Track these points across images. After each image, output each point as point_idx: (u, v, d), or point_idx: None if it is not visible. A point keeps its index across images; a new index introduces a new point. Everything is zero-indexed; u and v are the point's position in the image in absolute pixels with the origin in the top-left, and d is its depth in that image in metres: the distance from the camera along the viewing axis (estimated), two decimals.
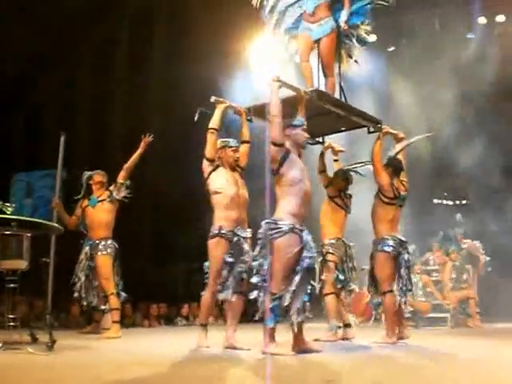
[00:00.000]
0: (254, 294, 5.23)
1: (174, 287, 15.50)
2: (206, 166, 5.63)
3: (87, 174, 8.11)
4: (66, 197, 8.24)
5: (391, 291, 6.35)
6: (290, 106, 5.55)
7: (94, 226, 7.82)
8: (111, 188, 7.92)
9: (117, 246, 7.84)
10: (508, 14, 13.26)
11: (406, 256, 6.44)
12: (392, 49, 13.96)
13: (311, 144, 6.02)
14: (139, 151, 8.01)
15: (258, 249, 5.24)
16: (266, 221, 5.22)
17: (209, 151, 5.65)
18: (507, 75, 12.98)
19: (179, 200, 15.96)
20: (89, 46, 19.15)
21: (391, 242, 6.37)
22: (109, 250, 7.71)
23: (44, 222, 6.21)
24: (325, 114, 5.69)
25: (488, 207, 13.33)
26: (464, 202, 15.72)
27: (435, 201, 15.37)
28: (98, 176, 7.98)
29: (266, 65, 12.60)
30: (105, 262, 7.66)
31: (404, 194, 6.61)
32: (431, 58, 13.48)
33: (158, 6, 18.10)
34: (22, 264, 5.53)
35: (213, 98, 5.86)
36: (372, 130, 6.28)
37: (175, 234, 15.90)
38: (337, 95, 6.21)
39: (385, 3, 6.22)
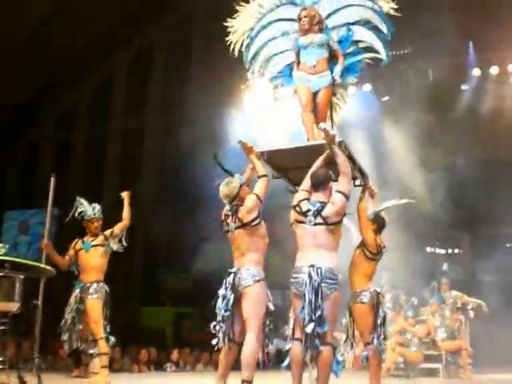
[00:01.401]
0: (307, 344, 5.12)
1: (164, 331, 15.37)
2: (258, 208, 5.51)
3: (84, 210, 8.00)
4: (58, 234, 8.22)
5: (373, 342, 6.44)
6: (306, 155, 5.62)
7: (86, 269, 7.75)
8: (107, 233, 7.87)
9: (108, 289, 7.77)
10: (502, 66, 13.51)
11: (382, 306, 6.58)
12: (386, 98, 14.16)
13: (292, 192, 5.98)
14: (127, 206, 7.98)
15: (314, 297, 5.09)
16: (325, 268, 5.14)
17: (264, 195, 5.55)
18: (500, 126, 13.17)
19: (171, 242, 15.94)
20: (85, 88, 19.37)
21: (369, 294, 6.48)
22: (99, 294, 7.64)
23: (37, 264, 6.16)
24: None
25: (479, 256, 13.38)
26: (456, 251, 15.75)
27: (428, 249, 15.39)
28: (96, 221, 7.92)
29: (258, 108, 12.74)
30: (95, 305, 7.58)
31: (384, 250, 6.69)
32: (425, 108, 13.67)
33: (158, 53, 18.41)
34: (14, 306, 5.47)
35: (239, 140, 5.74)
36: (358, 183, 6.30)
37: (165, 278, 15.81)
38: None
39: (379, 56, 6.30)
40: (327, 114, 6.28)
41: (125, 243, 7.89)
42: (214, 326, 5.41)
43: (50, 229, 7.73)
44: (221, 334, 5.38)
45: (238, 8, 6.58)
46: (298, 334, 5.23)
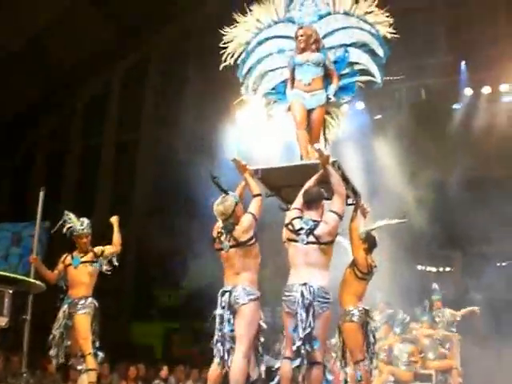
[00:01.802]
0: (297, 362, 5.10)
1: (154, 347, 15.29)
2: (253, 227, 5.50)
3: (73, 226, 7.94)
4: (50, 247, 8.17)
5: (363, 360, 6.45)
6: (299, 173, 5.66)
7: (75, 284, 7.69)
8: (97, 251, 7.81)
9: (96, 304, 7.72)
10: (494, 86, 13.62)
11: (372, 324, 6.61)
12: (379, 117, 14.23)
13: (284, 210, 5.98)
14: (117, 231, 7.92)
15: (306, 315, 5.08)
16: (317, 287, 5.14)
17: (259, 214, 5.54)
18: (490, 146, 13.26)
19: (163, 257, 15.89)
20: (80, 100, 19.39)
21: (358, 313, 6.49)
22: (88, 310, 7.58)
23: (27, 278, 6.13)
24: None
25: (470, 275, 13.41)
26: (447, 269, 15.78)
27: (419, 267, 15.41)
28: (85, 237, 7.86)
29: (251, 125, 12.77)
30: (83, 321, 7.51)
31: (375, 270, 6.71)
32: (417, 127, 13.76)
33: (154, 66, 18.47)
34: (2, 321, 5.41)
35: (233, 158, 5.75)
36: (350, 202, 6.31)
37: (157, 293, 15.74)
38: None
39: (373, 79, 6.33)
40: (321, 132, 6.32)
41: (116, 263, 7.84)
42: (216, 346, 5.37)
43: (38, 242, 7.69)
44: (221, 354, 5.33)
45: (236, 18, 6.62)
46: (288, 353, 5.22)
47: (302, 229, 5.28)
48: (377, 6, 6.28)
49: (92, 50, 17.56)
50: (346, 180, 5.88)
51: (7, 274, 5.68)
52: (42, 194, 7.66)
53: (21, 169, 19.46)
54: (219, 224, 5.62)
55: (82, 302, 7.57)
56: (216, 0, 16.87)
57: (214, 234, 5.63)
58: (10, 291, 5.47)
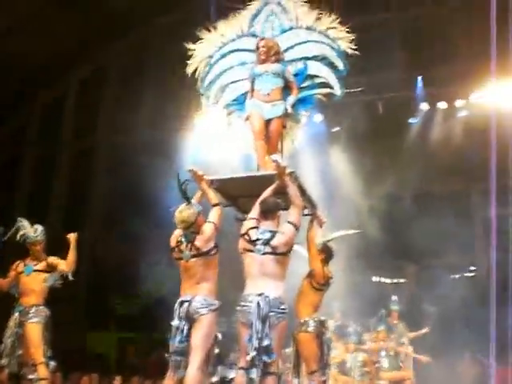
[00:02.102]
0: (254, 373, 5.04)
1: (108, 357, 15.10)
2: (214, 237, 5.47)
3: (26, 233, 7.80)
4: (1, 254, 8.00)
5: (318, 371, 6.50)
6: (256, 184, 5.66)
7: (26, 292, 7.55)
8: (50, 262, 7.65)
9: (48, 313, 7.60)
10: (449, 102, 13.91)
11: (327, 335, 6.66)
12: (336, 129, 14.40)
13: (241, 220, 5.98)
14: (73, 250, 7.76)
15: (262, 326, 5.05)
16: (273, 297, 5.12)
17: (219, 224, 5.51)
18: (445, 160, 13.53)
19: (119, 266, 15.74)
20: (35, 109, 19.14)
21: (313, 323, 6.55)
22: (39, 318, 7.46)
23: None
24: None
25: (424, 287, 13.60)
26: (402, 280, 15.96)
27: (374, 278, 15.58)
28: (38, 244, 7.74)
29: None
30: (34, 330, 7.39)
31: (332, 281, 6.77)
32: (373, 140, 13.95)
33: (111, 75, 18.35)
34: None
35: (189, 168, 5.70)
36: (307, 212, 6.35)
37: (113, 302, 15.56)
38: None
39: (333, 92, 6.41)
40: (278, 143, 6.34)
41: (71, 277, 7.70)
42: (171, 359, 5.33)
43: None
44: (176, 365, 5.30)
45: (200, 35, 6.66)
46: (242, 363, 5.20)
47: (258, 239, 5.26)
48: (337, 21, 6.39)
49: (48, 57, 17.36)
50: (302, 191, 5.92)
51: None
52: None
53: None
54: (178, 233, 5.58)
55: (34, 310, 7.45)
56: (175, 11, 16.93)
57: (173, 243, 5.58)
58: None
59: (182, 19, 16.56)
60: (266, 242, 5.24)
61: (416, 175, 13.31)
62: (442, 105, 14.04)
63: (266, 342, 5.02)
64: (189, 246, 5.44)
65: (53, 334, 7.62)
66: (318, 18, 6.42)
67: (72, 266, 7.63)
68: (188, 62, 6.65)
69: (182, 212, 5.47)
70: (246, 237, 5.35)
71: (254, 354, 5.01)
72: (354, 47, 6.29)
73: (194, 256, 5.41)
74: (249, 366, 5.08)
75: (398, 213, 13.32)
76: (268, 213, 5.41)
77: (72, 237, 7.64)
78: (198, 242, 5.41)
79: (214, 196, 5.67)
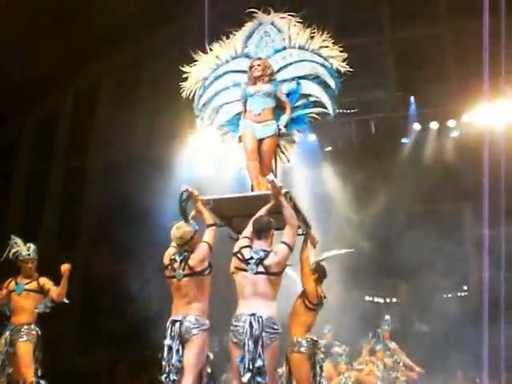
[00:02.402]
0: None
1: (98, 377, 14.96)
2: (209, 257, 5.46)
3: (19, 250, 7.76)
4: None
5: None
6: (251, 204, 5.68)
7: (17, 311, 7.50)
8: (42, 283, 7.58)
9: (39, 332, 7.54)
10: (441, 122, 13.98)
11: (320, 356, 6.60)
12: (329, 149, 14.45)
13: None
14: (65, 281, 7.69)
15: (254, 346, 5.02)
16: (266, 317, 5.10)
17: (214, 244, 5.50)
18: (436, 179, 13.59)
19: (109, 284, 15.65)
20: (28, 124, 19.13)
21: (306, 343, 6.51)
22: (30, 337, 7.41)
23: None
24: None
25: (416, 306, 13.60)
26: (394, 300, 15.94)
27: (367, 298, 15.56)
28: (31, 262, 7.70)
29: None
30: (25, 349, 7.33)
31: (325, 300, 6.74)
32: (366, 159, 14.00)
33: (105, 91, 18.38)
34: None
35: (184, 188, 5.66)
36: (300, 232, 6.35)
37: (105, 320, 15.44)
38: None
39: (326, 111, 6.45)
40: (271, 162, 6.38)
41: (66, 300, 7.65)
42: (165, 379, 5.27)
43: None
44: None
45: (195, 56, 6.73)
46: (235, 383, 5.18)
47: (251, 258, 5.25)
48: (330, 40, 6.45)
49: (42, 72, 17.38)
50: (297, 211, 5.94)
51: None
52: None
53: None
54: (171, 251, 5.58)
55: (25, 328, 7.41)
56: (168, 27, 17.02)
57: (166, 261, 5.56)
58: None
59: (176, 36, 16.69)
60: (259, 262, 5.22)
61: (408, 194, 13.34)
62: (434, 125, 14.11)
63: (258, 363, 4.99)
64: (182, 264, 5.41)
65: (44, 353, 7.57)
66: (311, 37, 6.47)
67: (63, 297, 7.59)
68: (182, 80, 6.70)
69: (179, 229, 5.48)
70: (239, 255, 5.33)
71: (247, 375, 4.97)
72: (347, 66, 6.34)
73: (186, 275, 5.39)
74: None
75: (390, 231, 13.34)
76: (261, 232, 5.40)
77: (65, 267, 7.49)
78: (192, 262, 5.40)
79: (209, 216, 5.67)
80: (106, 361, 15.37)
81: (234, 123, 6.56)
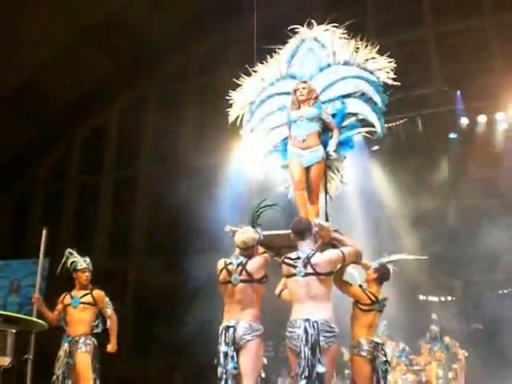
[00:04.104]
0: None
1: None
2: (265, 267, 5.49)
3: (76, 261, 7.89)
4: (49, 286, 8.12)
5: None
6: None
7: (74, 323, 7.57)
8: (96, 295, 7.70)
9: (96, 342, 7.62)
10: (490, 115, 13.74)
11: (382, 358, 6.46)
12: (376, 148, 14.31)
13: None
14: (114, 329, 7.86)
15: (311, 352, 4.94)
16: (321, 321, 5.02)
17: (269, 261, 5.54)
18: (486, 174, 13.33)
19: (162, 293, 15.81)
20: (76, 139, 19.51)
21: (366, 346, 6.38)
22: (88, 348, 7.50)
23: (30, 318, 6.10)
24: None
25: (472, 304, 13.37)
26: (449, 298, 15.70)
27: (421, 297, 15.35)
28: (87, 271, 7.81)
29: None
30: (84, 360, 7.37)
31: (383, 297, 6.59)
32: (414, 157, 13.82)
33: (151, 104, 18.61)
34: (5, 361, 5.39)
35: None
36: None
37: (159, 329, 15.60)
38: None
39: (373, 131, 6.30)
40: (320, 188, 6.19)
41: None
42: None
43: (41, 282, 7.65)
44: None
45: (238, 81, 6.64)
46: None
47: (298, 258, 5.18)
48: (372, 40, 6.31)
49: (90, 87, 17.72)
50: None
51: (10, 314, 5.67)
52: (44, 232, 7.64)
53: (20, 207, 19.51)
54: (225, 259, 5.53)
55: (82, 340, 7.48)
56: (212, 39, 17.14)
57: (220, 266, 5.50)
58: (13, 331, 5.46)
59: (220, 47, 16.83)
60: (307, 261, 5.14)
61: (459, 190, 13.11)
62: (482, 118, 13.87)
63: (319, 369, 4.90)
64: (239, 269, 5.38)
65: (101, 364, 7.66)
66: (356, 50, 6.28)
67: (112, 327, 7.71)
68: (228, 89, 6.66)
69: (245, 233, 5.47)
70: (286, 260, 5.27)
71: (304, 382, 4.88)
72: (394, 77, 6.14)
73: (243, 281, 5.35)
74: None
75: (443, 229, 13.12)
76: (304, 232, 5.32)
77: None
78: (250, 267, 5.36)
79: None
80: (161, 370, 15.50)
81: (283, 148, 6.38)
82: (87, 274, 7.71)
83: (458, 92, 13.88)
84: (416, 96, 13.87)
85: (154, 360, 15.60)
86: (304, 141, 6.02)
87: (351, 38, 6.37)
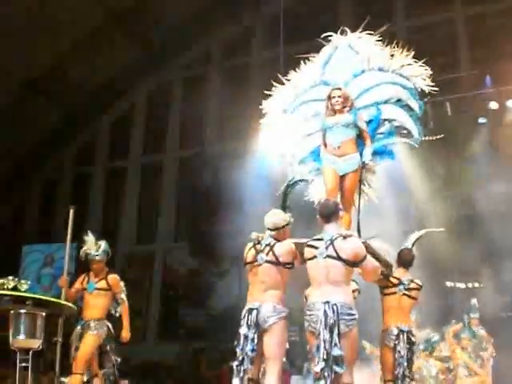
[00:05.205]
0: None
1: (183, 368, 15.21)
2: (293, 254, 5.42)
3: (89, 249, 7.82)
4: (78, 270, 8.13)
5: (391, 381, 6.30)
6: None
7: (88, 307, 7.51)
8: (111, 281, 7.64)
9: (110, 326, 7.55)
10: None
11: (402, 344, 6.39)
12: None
13: None
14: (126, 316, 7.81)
15: (330, 335, 4.86)
16: (341, 304, 4.94)
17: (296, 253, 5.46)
18: None
19: (189, 277, 15.90)
20: (104, 122, 19.61)
21: (393, 332, 6.33)
22: (99, 331, 7.42)
23: (59, 301, 6.13)
24: None
25: (500, 291, 13.22)
26: (476, 285, 15.54)
27: (448, 284, 15.22)
28: (96, 263, 7.68)
29: None
30: (89, 341, 7.29)
31: (406, 280, 6.52)
32: (442, 141, 13.62)
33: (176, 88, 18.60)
34: (35, 343, 5.44)
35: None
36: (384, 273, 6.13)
37: (184, 313, 15.70)
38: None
39: (411, 141, 6.22)
40: (353, 198, 6.14)
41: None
42: (237, 367, 5.19)
43: (69, 263, 7.65)
44: (242, 375, 5.16)
45: (273, 89, 6.56)
46: (314, 373, 4.99)
47: (321, 239, 5.11)
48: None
49: (116, 72, 17.77)
50: (376, 257, 5.71)
51: (40, 297, 5.72)
52: (71, 212, 7.58)
53: (45, 193, 19.71)
54: (253, 241, 5.45)
55: (95, 323, 7.40)
56: (234, 27, 17.05)
57: (247, 248, 5.46)
58: (43, 314, 5.50)
59: (244, 32, 16.74)
60: (330, 243, 5.07)
61: (487, 176, 12.92)
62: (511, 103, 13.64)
63: (336, 352, 4.84)
64: (266, 249, 5.34)
65: (125, 347, 7.66)
66: (391, 56, 6.18)
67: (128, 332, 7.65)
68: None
69: (275, 215, 5.46)
70: (310, 242, 5.20)
71: (322, 365, 4.83)
72: (432, 84, 6.08)
73: (268, 262, 5.30)
74: (318, 377, 4.87)
75: (471, 215, 12.96)
76: (331, 215, 5.23)
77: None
78: (278, 250, 5.31)
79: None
80: (187, 353, 15.61)
81: (317, 155, 6.26)
82: (96, 265, 7.56)
83: (487, 76, 13.65)
84: (444, 80, 13.67)
85: (179, 343, 15.71)
86: (339, 148, 5.93)
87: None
